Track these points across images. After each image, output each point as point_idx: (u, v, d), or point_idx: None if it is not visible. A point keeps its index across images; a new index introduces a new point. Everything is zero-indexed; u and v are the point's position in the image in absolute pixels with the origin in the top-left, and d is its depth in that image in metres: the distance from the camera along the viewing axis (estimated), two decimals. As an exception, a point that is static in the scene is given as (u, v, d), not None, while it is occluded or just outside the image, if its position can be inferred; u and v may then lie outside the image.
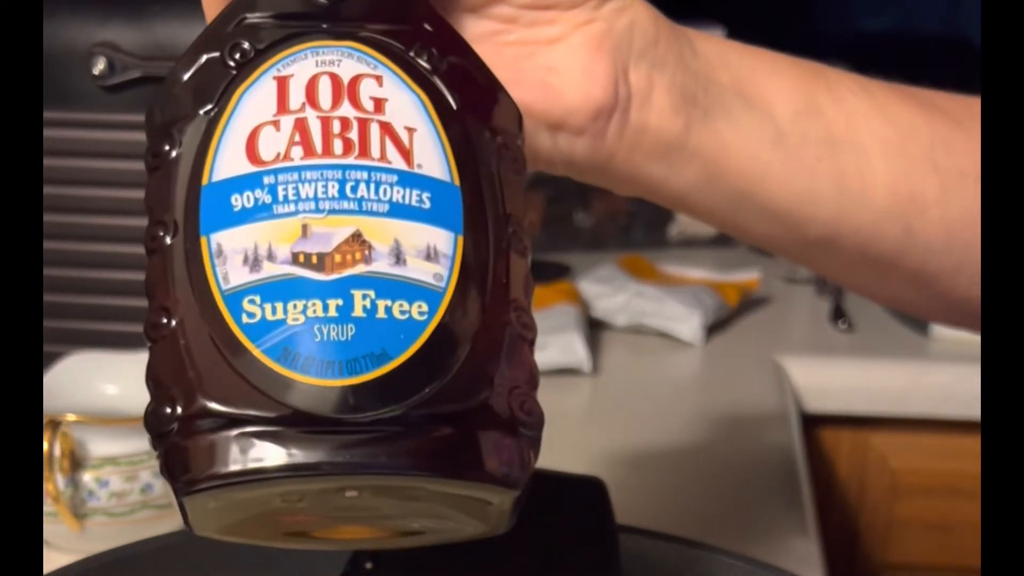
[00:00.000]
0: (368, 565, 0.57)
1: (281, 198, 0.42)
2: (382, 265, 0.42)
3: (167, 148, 0.45)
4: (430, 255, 0.42)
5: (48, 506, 0.82)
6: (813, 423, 1.40)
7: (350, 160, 0.43)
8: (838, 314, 1.53)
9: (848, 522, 1.46)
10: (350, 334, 0.41)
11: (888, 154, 0.61)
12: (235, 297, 0.41)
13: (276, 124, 0.43)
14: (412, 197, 0.43)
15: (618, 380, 1.27)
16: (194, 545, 0.65)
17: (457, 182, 0.44)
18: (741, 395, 1.27)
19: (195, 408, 0.40)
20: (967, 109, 0.64)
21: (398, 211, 0.42)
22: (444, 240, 0.43)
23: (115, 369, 0.90)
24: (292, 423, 0.40)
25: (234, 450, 0.40)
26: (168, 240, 0.43)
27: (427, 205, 0.43)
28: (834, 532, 1.41)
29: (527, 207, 0.48)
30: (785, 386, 1.31)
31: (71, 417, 0.82)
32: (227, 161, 0.43)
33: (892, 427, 1.42)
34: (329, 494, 0.42)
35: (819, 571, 0.90)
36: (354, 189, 0.42)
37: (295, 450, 0.40)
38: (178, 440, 0.41)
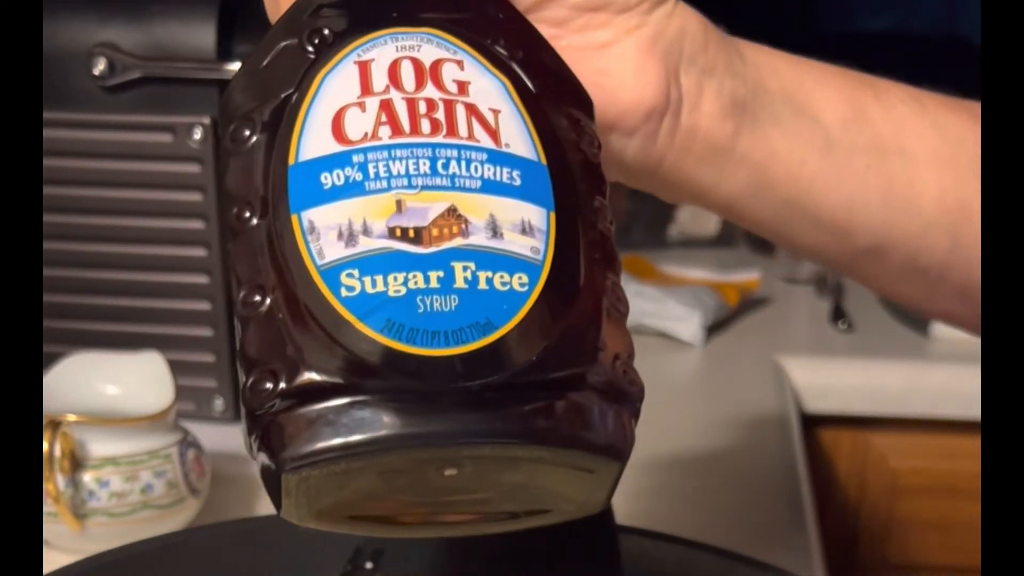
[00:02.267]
0: (368, 565, 0.57)
1: (372, 175, 0.43)
2: (480, 238, 0.42)
3: (247, 133, 0.45)
4: (525, 229, 0.43)
5: (48, 506, 0.81)
6: (813, 423, 1.40)
7: (439, 139, 0.44)
8: (838, 314, 1.53)
9: (848, 522, 1.46)
10: (453, 305, 0.41)
11: (937, 163, 0.61)
12: (332, 272, 0.42)
13: (361, 105, 0.44)
14: (503, 174, 0.44)
15: (618, 380, 1.27)
16: (194, 545, 0.65)
17: (544, 161, 0.45)
18: (741, 395, 1.26)
19: (299, 382, 0.41)
20: None
21: (490, 187, 0.44)
22: (537, 216, 0.44)
23: (115, 369, 0.90)
24: (400, 393, 0.40)
25: (343, 421, 0.40)
26: (255, 220, 0.44)
27: (518, 182, 0.44)
28: (834, 532, 1.40)
29: (607, 185, 0.49)
30: (785, 386, 1.31)
31: (71, 417, 0.82)
32: (313, 142, 0.44)
33: (892, 427, 1.42)
34: (429, 471, 0.42)
35: (819, 571, 0.90)
36: (445, 166, 0.43)
37: (405, 419, 0.40)
38: (281, 415, 0.41)
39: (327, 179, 0.43)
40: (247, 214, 0.44)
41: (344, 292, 0.41)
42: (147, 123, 1.01)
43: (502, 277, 0.42)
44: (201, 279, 1.03)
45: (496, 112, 0.46)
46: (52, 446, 0.81)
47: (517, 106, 0.46)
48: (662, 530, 0.66)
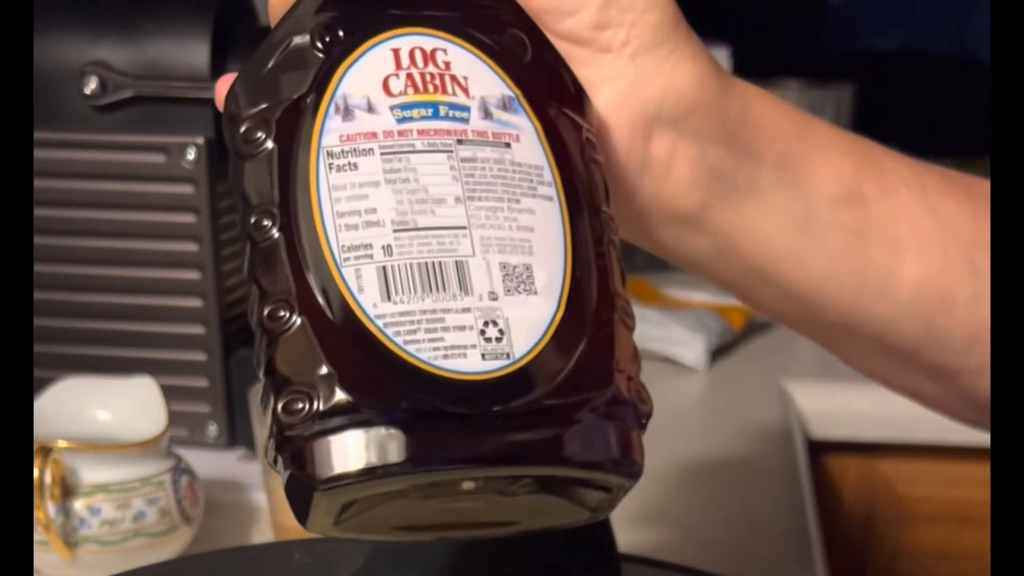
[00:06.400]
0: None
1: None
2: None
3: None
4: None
5: (39, 534, 0.81)
6: (819, 449, 1.39)
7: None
8: (843, 338, 1.52)
9: (855, 550, 1.45)
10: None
11: (925, 250, 0.59)
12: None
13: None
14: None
15: (621, 405, 1.27)
16: (187, 574, 0.65)
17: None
18: (746, 421, 1.26)
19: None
20: None
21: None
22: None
23: (107, 395, 0.89)
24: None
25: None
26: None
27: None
28: (841, 560, 1.40)
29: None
30: (791, 412, 1.30)
31: (62, 443, 0.81)
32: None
33: (900, 453, 1.41)
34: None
35: (826, 601, 0.89)
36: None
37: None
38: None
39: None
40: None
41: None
42: (139, 143, 1.01)
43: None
44: (195, 302, 1.02)
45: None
46: (43, 473, 0.80)
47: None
48: (665, 558, 0.65)
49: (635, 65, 0.53)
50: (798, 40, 2.13)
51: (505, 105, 0.47)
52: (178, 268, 1.02)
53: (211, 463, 1.00)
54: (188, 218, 1.01)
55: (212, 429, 1.04)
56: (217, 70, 0.99)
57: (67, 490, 0.82)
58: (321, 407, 0.41)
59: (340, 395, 0.41)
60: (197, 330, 1.03)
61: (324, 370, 0.42)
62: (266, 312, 0.43)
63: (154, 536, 0.84)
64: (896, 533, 1.44)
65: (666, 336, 1.41)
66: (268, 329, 0.43)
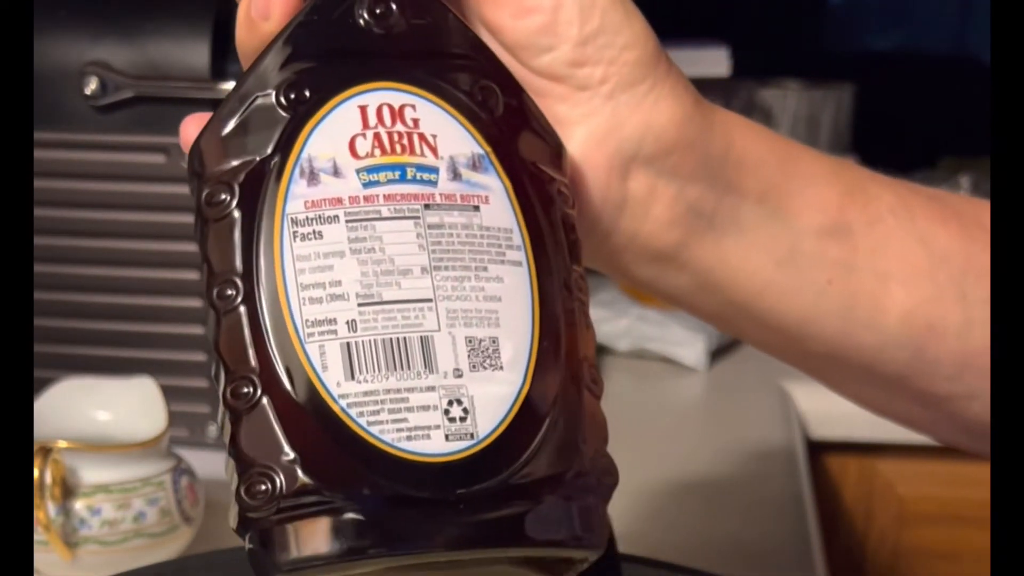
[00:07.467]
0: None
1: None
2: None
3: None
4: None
5: (39, 535, 0.81)
6: (819, 449, 1.39)
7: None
8: (843, 339, 1.52)
9: (855, 550, 1.45)
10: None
11: (912, 280, 0.58)
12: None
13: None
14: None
15: (620, 406, 1.26)
16: (187, 575, 0.64)
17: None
18: (746, 421, 1.26)
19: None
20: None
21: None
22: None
23: (107, 395, 0.89)
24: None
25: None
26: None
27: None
28: (840, 561, 1.39)
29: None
30: (790, 412, 1.30)
31: (62, 444, 0.81)
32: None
33: (899, 454, 1.41)
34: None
35: (826, 601, 0.89)
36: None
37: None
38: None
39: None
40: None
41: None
42: (140, 143, 1.01)
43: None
44: (194, 303, 1.02)
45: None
46: (43, 473, 0.80)
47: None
48: (665, 559, 0.65)
49: (612, 103, 0.52)
50: (798, 40, 2.12)
51: (475, 164, 0.46)
52: (178, 268, 1.02)
53: (211, 463, 0.99)
54: (188, 218, 0.99)
55: (212, 429, 1.04)
56: (217, 70, 0.99)
57: (67, 490, 0.81)
58: (284, 491, 0.41)
59: (303, 479, 0.41)
60: (197, 330, 1.03)
61: (287, 454, 0.41)
62: (229, 390, 0.43)
63: (154, 536, 0.84)
64: (896, 533, 1.44)
65: (665, 336, 1.40)
66: (231, 407, 0.42)
